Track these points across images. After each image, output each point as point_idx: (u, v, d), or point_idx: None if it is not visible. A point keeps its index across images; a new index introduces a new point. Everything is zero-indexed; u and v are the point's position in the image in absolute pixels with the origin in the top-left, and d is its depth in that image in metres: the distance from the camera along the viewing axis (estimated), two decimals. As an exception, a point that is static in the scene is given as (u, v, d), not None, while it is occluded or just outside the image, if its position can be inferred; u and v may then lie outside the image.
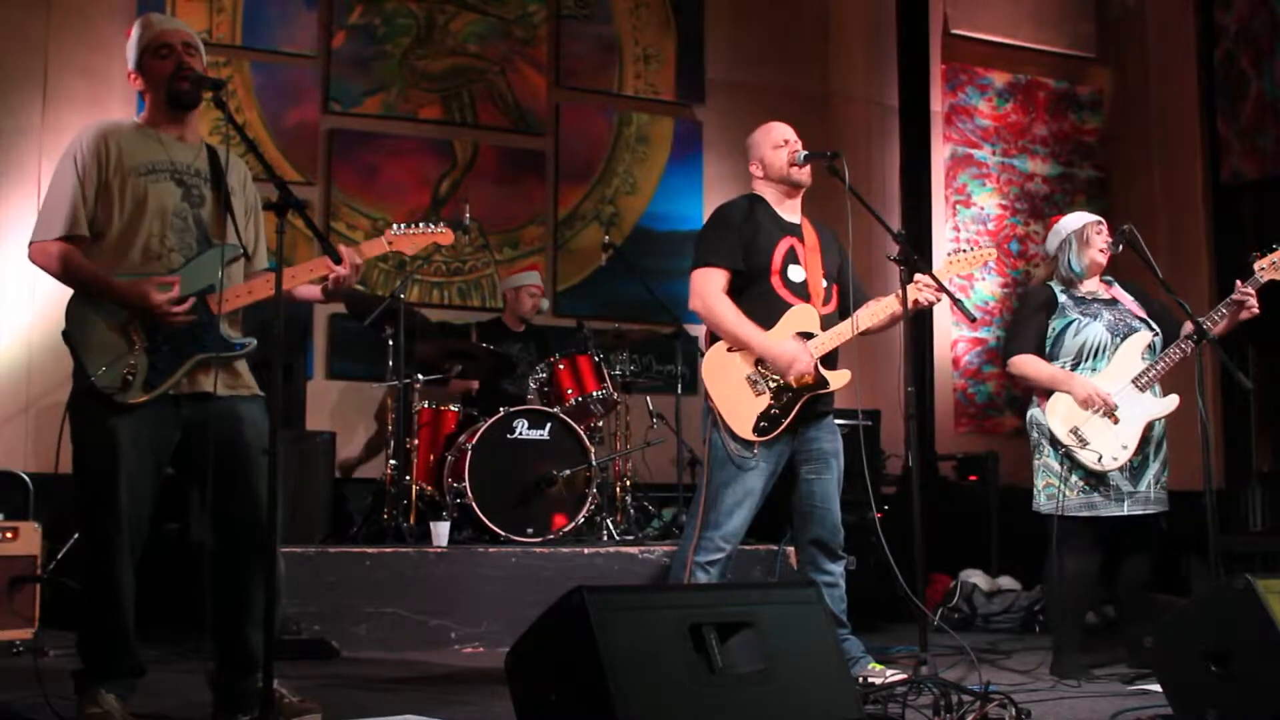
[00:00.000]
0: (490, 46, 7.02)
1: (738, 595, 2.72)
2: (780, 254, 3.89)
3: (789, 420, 3.79)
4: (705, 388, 3.84)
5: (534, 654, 2.47)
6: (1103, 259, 4.29)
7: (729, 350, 3.83)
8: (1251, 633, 2.87)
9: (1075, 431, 4.09)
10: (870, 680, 3.62)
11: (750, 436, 3.76)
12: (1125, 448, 4.06)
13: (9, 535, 4.52)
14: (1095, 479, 4.10)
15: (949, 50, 8.05)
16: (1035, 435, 4.25)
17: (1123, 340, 4.17)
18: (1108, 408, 4.06)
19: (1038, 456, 4.25)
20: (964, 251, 4.09)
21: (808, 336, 3.83)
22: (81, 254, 3.02)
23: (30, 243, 3.06)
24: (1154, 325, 4.23)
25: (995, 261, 7.74)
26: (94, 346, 2.98)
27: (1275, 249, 4.09)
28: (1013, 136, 8.22)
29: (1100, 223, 4.32)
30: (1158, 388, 4.16)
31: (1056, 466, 4.14)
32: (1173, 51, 8.17)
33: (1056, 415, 4.11)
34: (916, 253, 3.76)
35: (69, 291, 3.05)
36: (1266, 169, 7.52)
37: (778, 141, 3.98)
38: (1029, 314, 4.28)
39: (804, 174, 3.96)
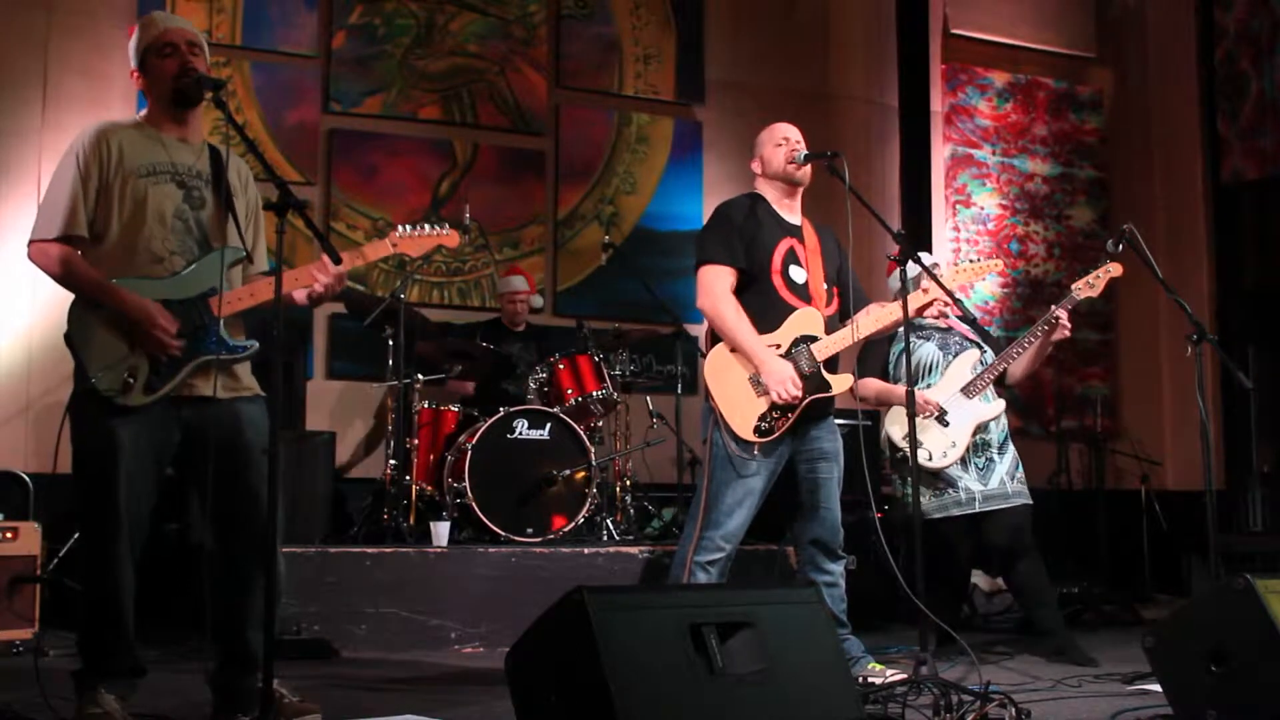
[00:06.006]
0: (490, 46, 7.02)
1: (738, 595, 2.72)
2: (781, 254, 3.89)
3: (790, 423, 3.79)
4: (707, 388, 3.84)
5: (534, 654, 2.47)
6: None
7: (732, 351, 3.83)
8: (1251, 633, 2.87)
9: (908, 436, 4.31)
10: (870, 680, 3.62)
11: (751, 438, 3.76)
12: (955, 445, 4.46)
13: (9, 535, 4.52)
14: (943, 482, 4.47)
15: (949, 50, 8.05)
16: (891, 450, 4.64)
17: (954, 357, 4.61)
18: (934, 413, 4.44)
19: (897, 469, 4.66)
20: (972, 261, 4.19)
21: (812, 340, 3.83)
22: (82, 258, 3.01)
23: (30, 241, 3.04)
24: (984, 346, 4.68)
25: (995, 262, 7.74)
26: (95, 348, 2.97)
27: (1090, 271, 4.42)
28: (1013, 136, 8.22)
29: (936, 264, 4.69)
30: (990, 394, 4.54)
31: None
32: (1173, 51, 8.18)
33: (894, 424, 4.57)
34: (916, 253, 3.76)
35: (70, 293, 3.05)
36: (1266, 169, 7.53)
37: (778, 139, 3.99)
38: (873, 345, 4.62)
39: (802, 172, 3.96)
